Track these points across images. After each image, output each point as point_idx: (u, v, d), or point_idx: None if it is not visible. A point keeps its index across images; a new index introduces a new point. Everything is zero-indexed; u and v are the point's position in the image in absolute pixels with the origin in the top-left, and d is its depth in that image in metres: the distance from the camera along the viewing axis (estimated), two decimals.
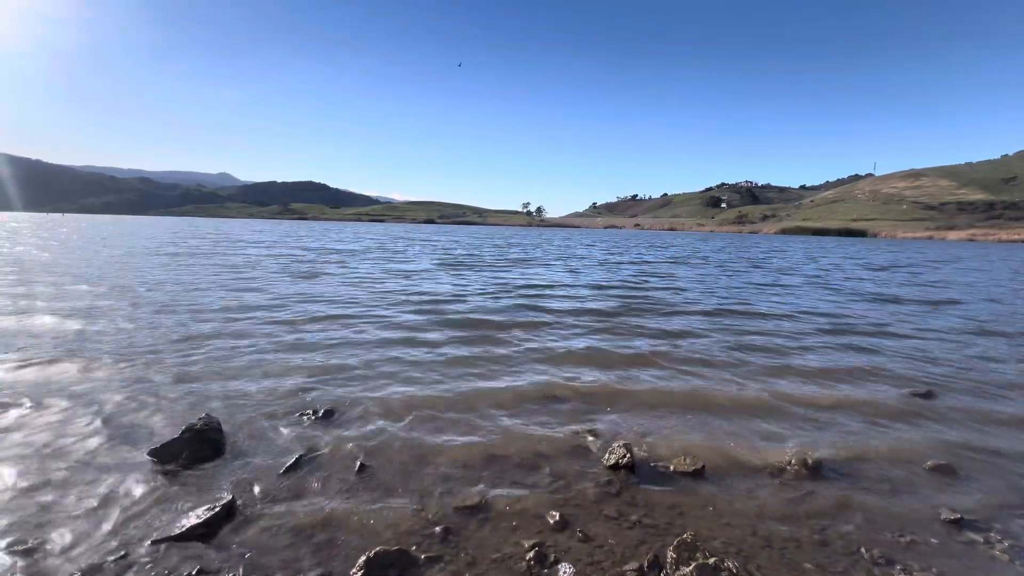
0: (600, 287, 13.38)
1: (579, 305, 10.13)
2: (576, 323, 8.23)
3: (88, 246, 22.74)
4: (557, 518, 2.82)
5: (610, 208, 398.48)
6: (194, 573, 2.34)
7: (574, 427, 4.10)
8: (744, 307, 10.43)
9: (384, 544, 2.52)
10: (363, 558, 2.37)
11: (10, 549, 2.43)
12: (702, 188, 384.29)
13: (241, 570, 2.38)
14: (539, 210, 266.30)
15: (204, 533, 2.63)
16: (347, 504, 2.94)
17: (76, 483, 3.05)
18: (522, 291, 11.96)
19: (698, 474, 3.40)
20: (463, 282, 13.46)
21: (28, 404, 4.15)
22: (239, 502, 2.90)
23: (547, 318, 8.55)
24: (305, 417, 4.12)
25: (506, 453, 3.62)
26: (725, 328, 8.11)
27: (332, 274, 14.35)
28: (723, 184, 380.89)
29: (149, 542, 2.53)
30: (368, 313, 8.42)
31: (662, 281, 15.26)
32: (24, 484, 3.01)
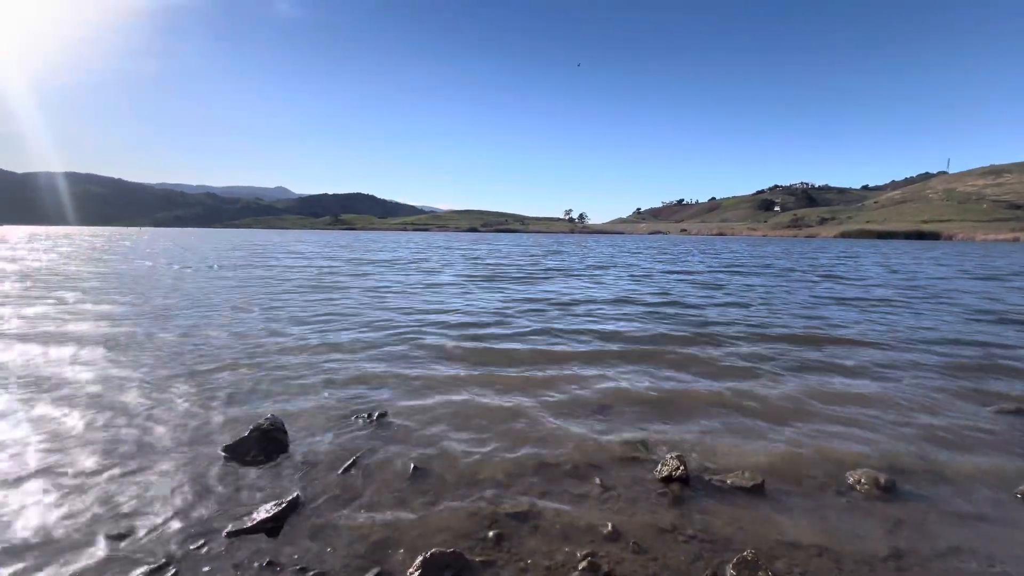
0: (649, 304, 11.15)
1: (621, 328, 8.23)
2: (617, 352, 6.69)
3: (170, 271, 24.62)
4: (610, 528, 2.79)
5: (655, 214, 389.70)
6: (264, 564, 2.49)
7: (625, 436, 4.04)
8: (830, 330, 8.24)
9: (439, 546, 2.58)
10: (420, 559, 2.44)
11: (105, 534, 2.67)
12: (753, 191, 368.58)
13: (305, 564, 2.51)
14: (581, 217, 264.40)
15: (272, 527, 2.79)
16: (401, 505, 3.04)
17: (159, 474, 3.32)
18: (549, 310, 10.21)
19: (757, 489, 3.26)
20: (488, 298, 11.88)
21: (110, 399, 4.57)
22: (303, 499, 3.05)
23: (580, 347, 6.94)
24: (360, 420, 4.29)
25: (555, 461, 3.62)
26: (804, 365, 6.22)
27: (350, 287, 13.72)
28: (776, 186, 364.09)
29: (224, 533, 2.71)
30: (409, 327, 8.65)
31: (723, 294, 13.27)
32: (114, 473, 3.30)
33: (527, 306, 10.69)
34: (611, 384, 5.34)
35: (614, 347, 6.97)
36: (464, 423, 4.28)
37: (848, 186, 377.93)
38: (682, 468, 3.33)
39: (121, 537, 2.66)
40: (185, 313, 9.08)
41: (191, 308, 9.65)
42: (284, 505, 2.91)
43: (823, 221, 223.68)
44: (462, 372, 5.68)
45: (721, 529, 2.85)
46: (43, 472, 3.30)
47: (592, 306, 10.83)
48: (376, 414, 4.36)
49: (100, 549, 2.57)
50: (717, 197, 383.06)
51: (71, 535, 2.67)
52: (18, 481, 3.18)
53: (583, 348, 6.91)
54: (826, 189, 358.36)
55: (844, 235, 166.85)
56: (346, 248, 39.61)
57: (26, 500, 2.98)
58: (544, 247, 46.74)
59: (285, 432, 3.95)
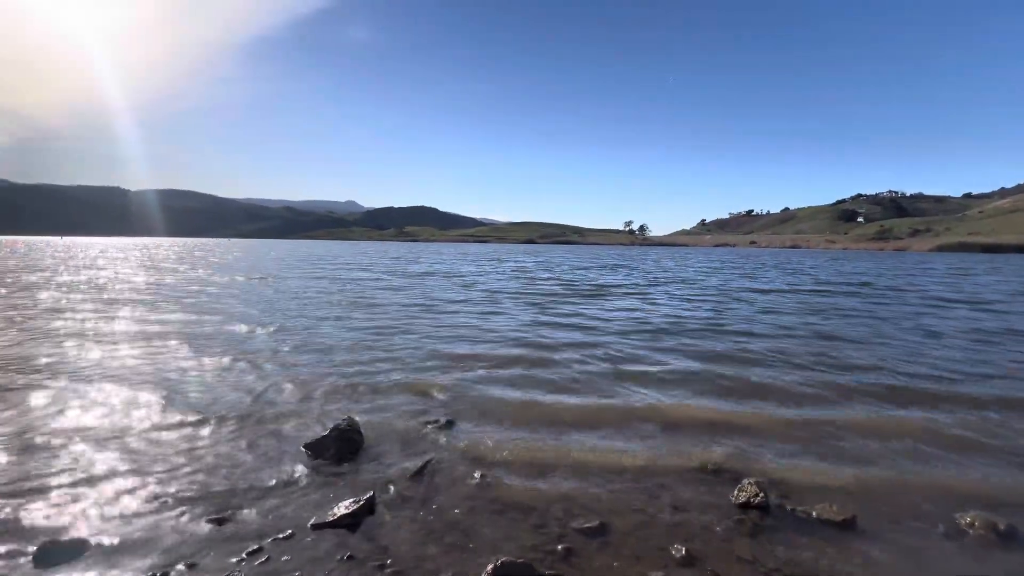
0: (725, 334, 8.67)
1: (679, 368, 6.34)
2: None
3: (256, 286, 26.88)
4: (683, 552, 2.68)
5: (721, 225, 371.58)
6: (345, 558, 2.63)
7: (697, 458, 3.87)
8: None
9: (507, 555, 2.61)
10: (491, 566, 2.48)
11: (209, 518, 2.95)
12: (832, 201, 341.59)
13: (382, 561, 2.63)
14: (642, 228, 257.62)
15: (351, 523, 2.95)
16: (470, 511, 3.10)
17: (249, 465, 3.63)
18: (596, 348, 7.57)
19: (848, 525, 3.01)
20: (520, 322, 9.86)
21: (199, 397, 5.05)
22: (378, 499, 3.20)
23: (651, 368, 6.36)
24: (429, 425, 4.44)
25: (623, 479, 3.54)
26: None
27: (384, 303, 13.13)
28: (859, 195, 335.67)
29: (309, 525, 2.90)
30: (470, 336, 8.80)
31: (826, 322, 10.41)
32: (212, 464, 3.64)
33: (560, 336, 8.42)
34: (678, 402, 5.15)
35: (693, 365, 6.72)
36: (527, 436, 4.30)
37: (946, 194, 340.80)
38: (761, 495, 3.15)
39: (221, 521, 2.92)
40: (255, 320, 9.87)
41: (265, 316, 10.47)
42: (362, 503, 3.07)
43: (915, 233, 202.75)
44: (523, 385, 5.73)
45: (807, 565, 2.65)
46: (152, 457, 3.71)
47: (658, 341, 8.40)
48: (443, 421, 4.50)
49: (204, 529, 2.84)
50: (791, 207, 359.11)
51: (179, 518, 2.97)
52: (134, 467, 3.60)
53: (654, 369, 6.72)
54: (919, 198, 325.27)
55: (941, 248, 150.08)
56: (399, 259, 41.24)
57: (143, 484, 3.36)
58: (599, 259, 46.06)
59: (360, 433, 4.16)
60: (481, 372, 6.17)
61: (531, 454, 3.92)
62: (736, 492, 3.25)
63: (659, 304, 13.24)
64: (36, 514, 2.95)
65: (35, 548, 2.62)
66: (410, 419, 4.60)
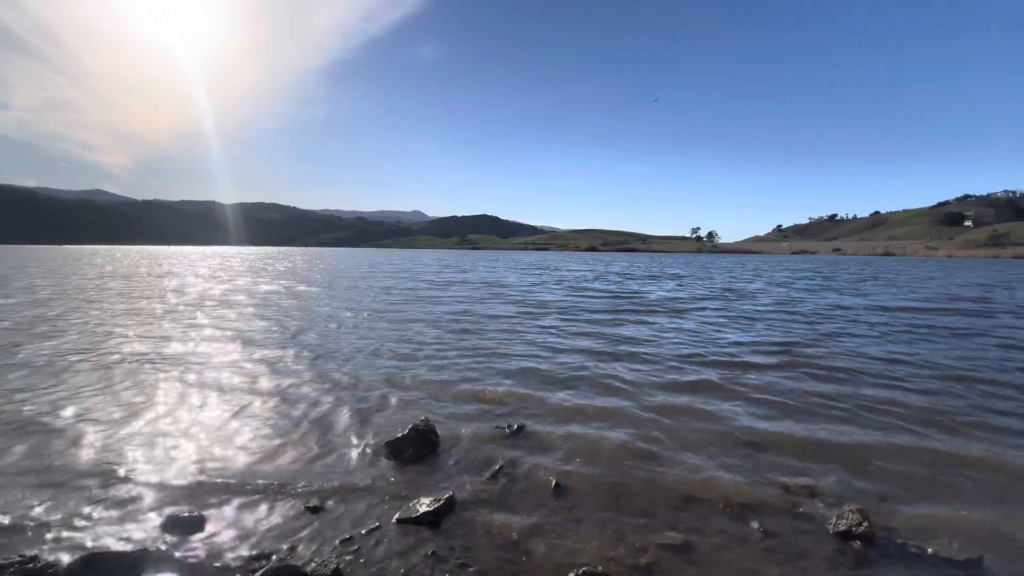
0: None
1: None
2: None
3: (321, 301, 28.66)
4: None
5: (800, 231, 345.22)
6: (429, 554, 2.73)
7: (784, 480, 3.62)
8: None
9: (586, 564, 2.58)
10: (572, 573, 2.46)
11: (308, 507, 3.18)
12: (932, 203, 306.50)
13: (464, 560, 2.69)
14: (710, 235, 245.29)
15: (432, 521, 3.05)
16: (547, 519, 3.10)
17: (337, 460, 3.87)
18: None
19: (973, 564, 2.67)
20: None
21: (288, 397, 5.44)
22: (456, 498, 3.29)
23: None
24: (500, 430, 4.50)
25: (705, 497, 3.38)
26: None
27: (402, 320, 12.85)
28: (967, 196, 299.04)
29: (394, 520, 3.04)
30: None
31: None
32: (306, 459, 3.93)
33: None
34: (765, 425, 4.84)
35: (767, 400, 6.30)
36: (599, 446, 4.23)
37: None
38: (865, 524, 2.88)
39: (316, 510, 3.14)
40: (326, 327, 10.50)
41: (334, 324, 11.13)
42: (442, 502, 3.17)
43: None
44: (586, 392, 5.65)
45: None
46: (256, 450, 4.07)
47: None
48: (516, 426, 4.54)
49: (303, 518, 3.07)
50: (882, 211, 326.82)
51: (279, 506, 3.23)
52: (246, 462, 3.97)
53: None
54: None
55: None
56: (454, 268, 42.14)
57: (247, 467, 3.70)
58: (661, 267, 44.38)
59: (436, 434, 4.31)
60: (542, 383, 6.17)
61: (607, 467, 3.85)
62: (835, 519, 3.00)
63: (721, 328, 12.16)
64: (164, 491, 3.34)
65: (163, 519, 2.97)
66: (481, 423, 4.70)
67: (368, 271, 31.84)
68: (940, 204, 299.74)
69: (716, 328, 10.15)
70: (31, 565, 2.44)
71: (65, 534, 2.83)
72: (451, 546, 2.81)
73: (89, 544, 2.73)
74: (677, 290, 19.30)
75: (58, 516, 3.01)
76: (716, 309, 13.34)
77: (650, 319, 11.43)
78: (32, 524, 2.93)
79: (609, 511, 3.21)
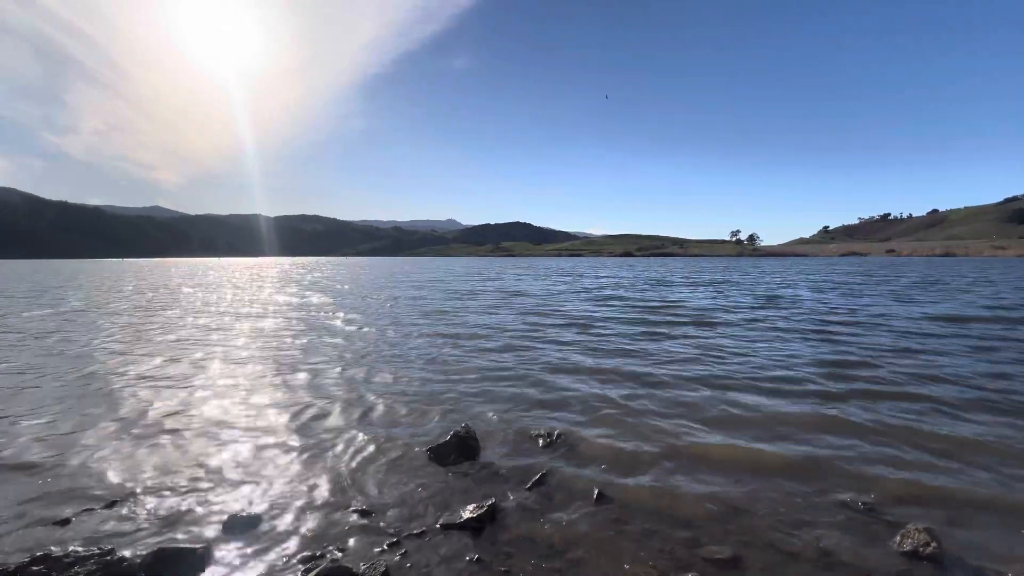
0: None
1: None
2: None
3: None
4: None
5: (849, 232, 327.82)
6: (473, 560, 2.76)
7: (841, 495, 3.45)
8: None
9: None
10: None
11: (356, 510, 3.28)
12: (998, 200, 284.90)
13: (508, 567, 2.71)
14: (751, 238, 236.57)
15: (475, 527, 3.08)
16: (591, 529, 3.07)
17: (382, 464, 3.97)
18: None
19: None
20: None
21: (334, 401, 5.62)
22: (498, 506, 3.31)
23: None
24: (540, 439, 4.49)
25: (755, 510, 3.27)
26: None
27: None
28: None
29: (438, 525, 3.09)
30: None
31: None
32: (349, 463, 4.05)
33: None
34: (818, 442, 4.62)
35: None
36: (640, 457, 4.15)
37: None
38: (933, 545, 2.71)
39: (366, 513, 3.23)
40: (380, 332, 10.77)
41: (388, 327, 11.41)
42: (485, 509, 3.20)
43: None
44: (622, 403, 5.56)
45: None
46: (307, 449, 4.23)
47: None
48: (555, 434, 4.53)
49: (351, 520, 3.17)
50: (940, 209, 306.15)
51: (327, 508, 3.34)
52: (289, 461, 4.14)
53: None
54: None
55: None
56: (476, 274, 42.33)
57: (298, 472, 3.85)
58: (700, 273, 43.08)
59: (476, 440, 4.36)
60: (590, 389, 6.12)
61: (649, 477, 3.78)
62: (899, 538, 2.83)
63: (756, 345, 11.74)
64: (222, 491, 3.52)
65: (222, 518, 3.13)
66: (521, 430, 4.71)
67: (407, 280, 32.56)
68: (1008, 200, 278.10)
69: (755, 342, 9.78)
70: (108, 557, 2.63)
71: (136, 530, 3.04)
72: (495, 553, 2.83)
73: (158, 540, 2.92)
74: (714, 297, 18.29)
75: (127, 512, 3.23)
76: (757, 320, 12.78)
77: (678, 332, 11.08)
78: (105, 519, 3.15)
79: (653, 522, 3.15)
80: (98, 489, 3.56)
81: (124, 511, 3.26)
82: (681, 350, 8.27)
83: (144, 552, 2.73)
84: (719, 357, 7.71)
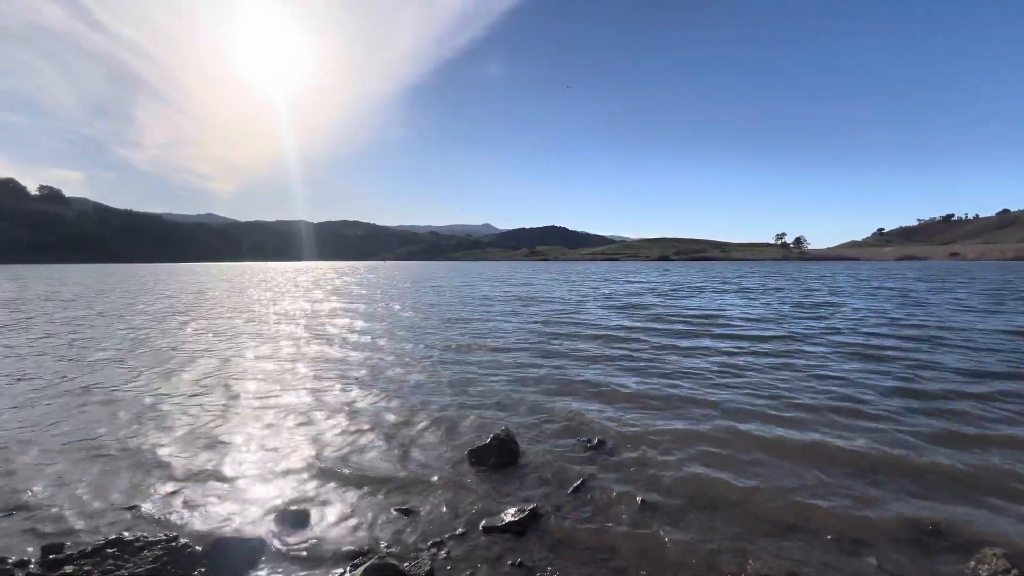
0: None
1: None
2: None
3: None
4: None
5: (907, 234, 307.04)
6: (516, 564, 2.76)
7: (905, 512, 3.24)
8: None
9: None
10: None
11: (398, 508, 3.35)
12: None
13: (549, 573, 2.69)
14: (798, 241, 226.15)
15: (517, 531, 3.08)
16: (635, 536, 3.01)
17: (424, 464, 4.04)
18: None
19: None
20: None
21: (375, 405, 5.75)
22: (540, 510, 3.30)
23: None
24: (580, 444, 4.45)
25: (809, 526, 3.11)
26: None
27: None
28: None
29: (481, 527, 3.11)
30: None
31: None
32: (393, 462, 4.14)
33: None
34: (873, 452, 4.36)
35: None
36: (686, 466, 4.04)
37: None
38: (1014, 572, 2.49)
39: (406, 512, 3.30)
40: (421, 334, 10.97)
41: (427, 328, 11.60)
42: (527, 513, 3.19)
43: None
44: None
45: None
46: (349, 447, 4.36)
47: None
48: (596, 440, 4.47)
49: (395, 518, 3.24)
50: (1011, 209, 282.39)
51: (372, 506, 3.43)
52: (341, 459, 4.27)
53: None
54: None
55: None
56: (510, 281, 42.24)
57: (344, 467, 3.97)
58: (739, 277, 41.40)
59: (516, 444, 4.36)
60: (625, 403, 6.01)
61: (694, 488, 3.67)
62: (974, 564, 2.63)
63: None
64: (274, 486, 3.68)
65: (275, 512, 3.26)
66: (560, 435, 4.68)
67: (447, 283, 33.08)
68: None
69: (792, 357, 9.32)
70: (173, 544, 2.79)
71: (196, 518, 3.21)
72: (537, 559, 2.82)
73: (216, 528, 3.08)
74: (750, 305, 16.99)
75: (188, 500, 3.43)
76: (796, 334, 11.63)
77: (700, 343, 10.69)
78: (167, 510, 3.35)
79: (701, 533, 3.06)
80: (161, 477, 3.79)
81: (185, 499, 3.45)
82: (707, 365, 8.00)
83: (205, 542, 2.88)
84: (758, 372, 7.41)
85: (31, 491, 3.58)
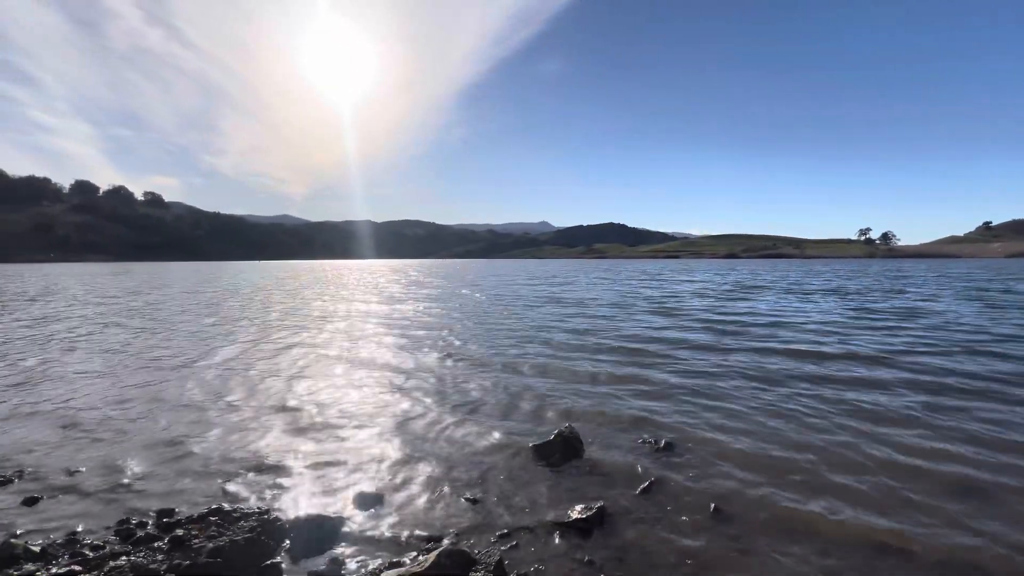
0: None
1: None
2: None
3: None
4: None
5: (1019, 228, 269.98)
6: (584, 561, 2.74)
7: (1015, 537, 2.87)
8: None
9: None
10: None
11: (464, 496, 3.44)
12: None
13: (620, 574, 2.65)
14: (885, 237, 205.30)
15: (584, 528, 3.07)
16: (708, 544, 2.90)
17: (490, 457, 4.11)
18: None
19: None
20: None
21: (442, 401, 5.92)
22: (607, 509, 3.25)
23: None
24: (646, 445, 4.35)
25: (908, 549, 2.84)
26: None
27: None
28: None
29: (547, 522, 3.13)
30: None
31: None
32: (461, 453, 4.25)
33: None
34: (974, 469, 3.90)
35: None
36: (758, 469, 3.82)
37: None
38: None
39: (476, 502, 3.38)
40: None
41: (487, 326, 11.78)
42: (594, 511, 3.17)
43: None
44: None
45: None
46: (419, 438, 4.54)
47: None
48: (663, 442, 4.35)
49: (463, 507, 3.33)
50: None
51: (442, 494, 3.54)
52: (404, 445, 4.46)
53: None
54: None
55: None
56: (551, 280, 41.48)
57: (412, 457, 4.14)
58: (807, 276, 38.15)
59: (580, 441, 4.33)
60: (695, 399, 5.78)
61: (770, 495, 3.47)
62: None
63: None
64: (352, 469, 3.91)
65: (352, 494, 3.46)
66: (624, 434, 4.60)
67: (520, 282, 33.41)
68: None
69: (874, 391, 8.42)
70: (266, 516, 3.04)
71: (284, 497, 3.48)
72: (605, 557, 2.78)
73: (304, 505, 3.32)
74: (834, 311, 15.24)
75: (274, 481, 3.72)
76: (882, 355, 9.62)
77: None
78: (255, 487, 3.65)
79: (781, 545, 2.88)
80: (253, 459, 4.14)
81: (276, 480, 3.75)
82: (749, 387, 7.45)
83: (293, 517, 3.11)
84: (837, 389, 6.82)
85: (148, 454, 4.04)
